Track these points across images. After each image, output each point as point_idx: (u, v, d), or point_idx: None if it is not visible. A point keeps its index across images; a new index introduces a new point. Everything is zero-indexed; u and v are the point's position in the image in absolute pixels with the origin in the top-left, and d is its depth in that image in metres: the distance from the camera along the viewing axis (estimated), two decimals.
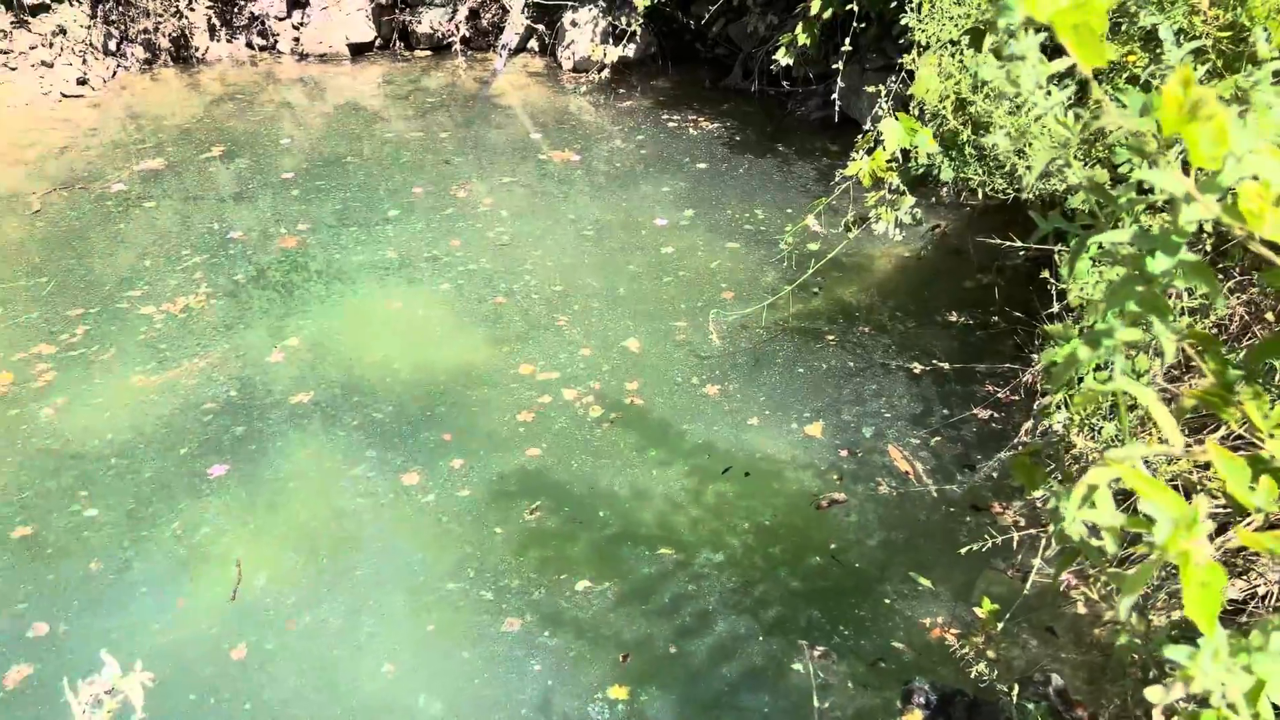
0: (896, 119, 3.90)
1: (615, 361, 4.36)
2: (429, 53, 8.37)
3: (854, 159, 4.35)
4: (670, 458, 3.78)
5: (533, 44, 8.30)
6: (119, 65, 7.81)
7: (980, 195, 4.14)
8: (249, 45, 8.32)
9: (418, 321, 4.70)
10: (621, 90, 7.50)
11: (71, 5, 7.56)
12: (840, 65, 6.37)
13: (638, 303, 4.79)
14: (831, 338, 4.48)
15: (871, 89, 5.74)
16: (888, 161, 3.99)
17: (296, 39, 8.26)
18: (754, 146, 6.48)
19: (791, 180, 6.00)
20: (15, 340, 4.56)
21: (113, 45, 7.76)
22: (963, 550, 3.19)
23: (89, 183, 6.09)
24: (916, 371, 4.23)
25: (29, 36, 7.38)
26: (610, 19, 7.73)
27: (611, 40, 7.57)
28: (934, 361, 4.28)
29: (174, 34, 8.03)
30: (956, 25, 4.15)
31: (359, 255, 5.25)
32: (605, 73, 7.38)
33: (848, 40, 5.38)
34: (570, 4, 7.79)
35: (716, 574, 3.28)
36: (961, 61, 4.04)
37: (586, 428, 3.96)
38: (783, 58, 5.80)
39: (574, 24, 7.80)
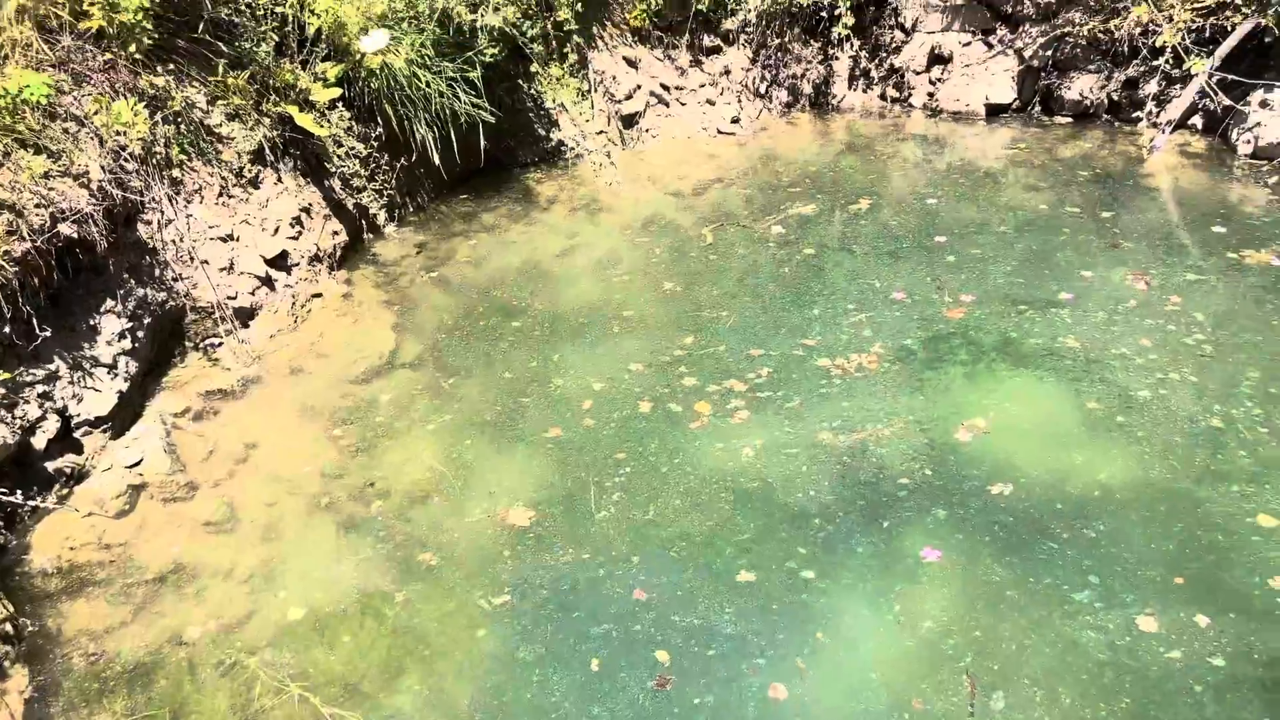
0: None
1: None
2: (1069, 120, 7.82)
3: None
4: None
5: (1194, 120, 7.41)
6: (764, 107, 8.27)
7: None
8: (882, 97, 8.40)
9: (1117, 429, 4.23)
10: None
11: (739, 49, 8.14)
12: None
13: None
14: None
15: None
16: None
17: (931, 94, 8.17)
18: None
19: None
20: (713, 372, 4.83)
21: (763, 88, 8.23)
22: None
23: (750, 222, 6.41)
24: None
25: (700, 75, 8.07)
26: None
27: None
28: None
29: (817, 81, 8.34)
30: None
31: (1035, 339, 4.89)
32: None
33: None
34: (1267, 83, 6.81)
35: None
36: None
37: None
38: None
39: (1264, 105, 6.81)
